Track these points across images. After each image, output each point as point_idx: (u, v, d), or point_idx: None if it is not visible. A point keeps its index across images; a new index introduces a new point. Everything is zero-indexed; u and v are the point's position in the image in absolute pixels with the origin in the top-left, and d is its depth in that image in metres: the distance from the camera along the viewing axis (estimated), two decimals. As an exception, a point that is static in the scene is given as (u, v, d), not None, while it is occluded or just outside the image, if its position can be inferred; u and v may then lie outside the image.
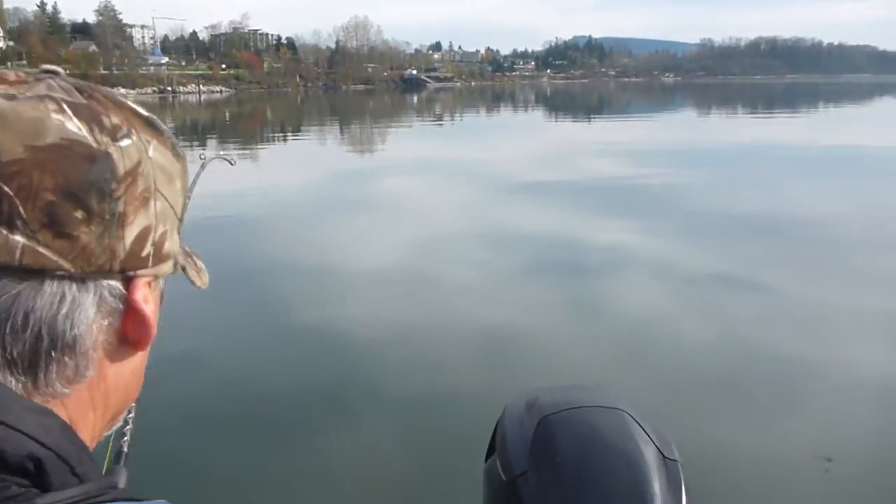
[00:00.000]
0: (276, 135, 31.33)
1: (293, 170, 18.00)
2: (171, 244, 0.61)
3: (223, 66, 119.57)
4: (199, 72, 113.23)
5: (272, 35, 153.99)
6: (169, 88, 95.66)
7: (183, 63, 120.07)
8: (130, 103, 0.58)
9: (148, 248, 0.57)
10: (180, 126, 34.85)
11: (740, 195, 12.95)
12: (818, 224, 10.11)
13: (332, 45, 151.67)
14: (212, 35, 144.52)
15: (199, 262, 0.70)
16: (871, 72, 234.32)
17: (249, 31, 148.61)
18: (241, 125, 39.13)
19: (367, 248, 9.05)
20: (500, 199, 12.74)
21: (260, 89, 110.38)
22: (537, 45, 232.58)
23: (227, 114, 50.34)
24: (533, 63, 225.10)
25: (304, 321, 6.18)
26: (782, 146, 22.33)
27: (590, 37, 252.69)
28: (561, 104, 63.13)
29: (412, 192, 13.66)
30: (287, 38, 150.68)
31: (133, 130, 0.56)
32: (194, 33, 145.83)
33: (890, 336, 5.73)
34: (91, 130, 0.53)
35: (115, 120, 0.55)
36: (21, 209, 0.49)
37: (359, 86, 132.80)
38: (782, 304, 6.61)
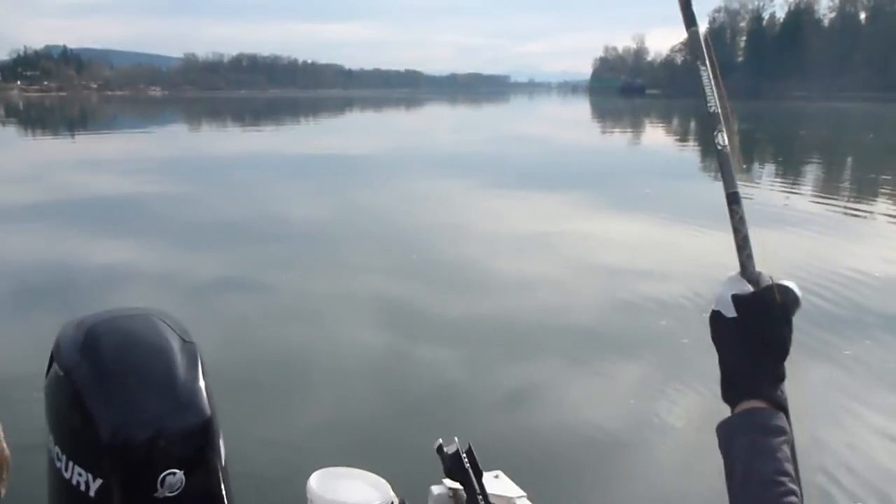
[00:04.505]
0: None
1: None
2: None
3: None
4: None
5: None
6: None
7: None
8: None
9: None
10: None
11: (237, 203, 13.82)
12: (309, 223, 11.46)
13: None
14: None
15: None
16: (341, 87, 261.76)
17: None
18: None
19: None
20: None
21: None
22: (2, 54, 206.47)
23: None
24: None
25: None
26: (272, 155, 24.15)
27: (65, 46, 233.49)
28: (38, 119, 57.39)
29: None
30: None
31: None
32: None
33: (376, 314, 6.87)
34: None
35: None
36: None
37: None
38: (285, 299, 7.39)
